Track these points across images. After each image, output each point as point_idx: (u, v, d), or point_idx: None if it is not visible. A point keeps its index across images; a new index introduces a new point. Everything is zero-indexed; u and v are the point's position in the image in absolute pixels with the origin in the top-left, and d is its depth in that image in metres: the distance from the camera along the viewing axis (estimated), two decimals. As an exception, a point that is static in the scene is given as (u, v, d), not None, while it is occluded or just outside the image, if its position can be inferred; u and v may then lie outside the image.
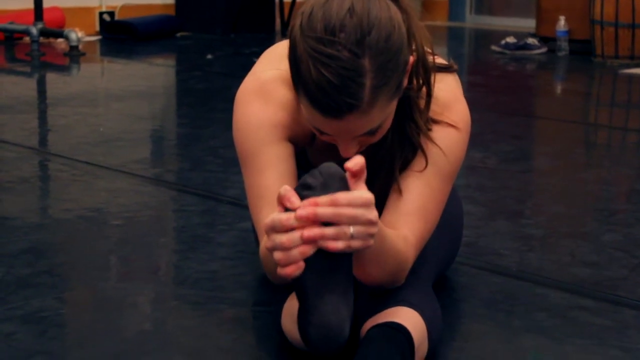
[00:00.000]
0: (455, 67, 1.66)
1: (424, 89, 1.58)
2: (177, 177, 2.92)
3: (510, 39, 6.30)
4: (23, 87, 4.85)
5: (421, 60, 1.55)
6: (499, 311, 1.85)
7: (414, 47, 1.52)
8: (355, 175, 1.35)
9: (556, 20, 6.19)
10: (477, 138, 3.50)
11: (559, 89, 5.44)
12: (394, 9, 1.45)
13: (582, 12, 6.09)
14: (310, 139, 1.66)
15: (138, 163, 3.04)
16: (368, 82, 1.41)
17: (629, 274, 2.07)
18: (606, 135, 3.93)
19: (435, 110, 1.60)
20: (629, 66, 5.67)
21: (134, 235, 2.31)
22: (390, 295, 1.57)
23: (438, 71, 1.61)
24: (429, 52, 1.58)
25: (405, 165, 1.61)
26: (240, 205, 2.51)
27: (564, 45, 6.16)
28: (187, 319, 1.78)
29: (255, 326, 1.76)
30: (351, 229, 1.32)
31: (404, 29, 1.46)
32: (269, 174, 1.60)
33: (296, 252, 1.32)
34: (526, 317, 1.81)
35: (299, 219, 1.31)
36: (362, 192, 1.34)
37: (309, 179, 1.37)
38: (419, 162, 1.60)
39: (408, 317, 1.51)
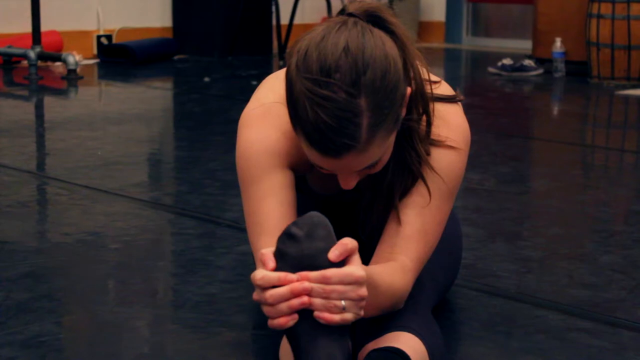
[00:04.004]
0: (461, 97, 1.67)
1: (424, 117, 1.59)
2: (176, 200, 2.92)
3: (507, 61, 6.32)
4: (21, 110, 4.86)
5: (419, 90, 1.56)
6: (498, 333, 1.85)
7: (412, 76, 1.52)
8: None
9: (552, 42, 6.21)
10: (474, 160, 3.51)
11: (555, 110, 5.45)
12: (389, 43, 1.45)
13: (578, 33, 6.12)
14: (310, 166, 1.66)
15: (136, 186, 3.05)
16: (365, 121, 1.41)
17: (627, 296, 2.07)
18: (603, 157, 3.93)
19: (433, 131, 1.61)
20: (625, 87, 5.69)
21: (132, 259, 2.31)
22: (389, 320, 1.57)
23: (442, 101, 1.61)
24: (426, 81, 1.58)
25: (405, 192, 1.62)
26: (239, 228, 2.52)
27: (561, 66, 6.18)
28: (186, 343, 1.78)
29: (255, 350, 1.76)
30: (343, 302, 1.35)
31: (399, 64, 1.46)
32: (269, 202, 1.60)
33: (284, 306, 1.34)
34: (525, 339, 1.81)
35: (293, 293, 1.34)
36: (353, 270, 1.35)
37: (293, 228, 1.38)
38: (418, 190, 1.61)
39: (408, 342, 1.51)
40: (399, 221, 1.60)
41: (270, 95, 1.64)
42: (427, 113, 1.59)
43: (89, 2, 6.81)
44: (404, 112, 1.51)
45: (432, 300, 1.73)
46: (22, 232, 2.52)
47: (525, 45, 7.12)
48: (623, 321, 1.91)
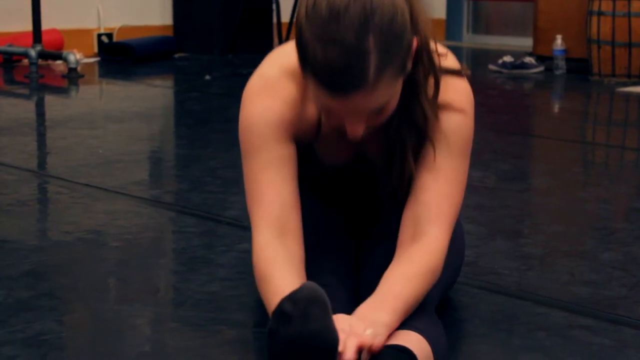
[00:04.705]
0: (467, 71, 1.72)
1: (431, 79, 1.63)
2: (176, 199, 2.92)
3: (508, 58, 6.31)
4: (22, 109, 4.86)
5: (425, 48, 1.60)
6: (499, 331, 1.85)
7: (418, 30, 1.57)
8: None
9: (553, 40, 6.21)
10: (475, 157, 3.50)
11: (556, 107, 5.45)
12: None
13: (579, 31, 6.11)
14: (315, 134, 1.70)
15: (137, 185, 3.05)
16: (373, 61, 1.46)
17: (628, 293, 2.07)
18: (604, 154, 3.93)
19: (439, 96, 1.65)
20: (625, 84, 5.69)
21: (133, 257, 2.31)
22: None
23: (446, 73, 1.66)
24: (433, 52, 1.62)
25: (416, 151, 1.65)
26: (240, 226, 2.52)
27: (561, 64, 6.18)
28: (187, 341, 1.78)
29: (256, 347, 1.76)
30: None
31: (407, 15, 1.51)
32: (271, 172, 1.65)
33: None
34: (526, 337, 1.81)
35: None
36: None
37: (287, 305, 1.35)
38: (431, 155, 1.65)
39: (414, 341, 1.51)
40: (417, 192, 1.66)
41: (272, 68, 1.69)
42: (434, 69, 1.63)
43: (90, 0, 6.81)
44: (410, 65, 1.56)
45: (436, 299, 1.73)
46: (23, 231, 2.52)
47: (526, 42, 7.12)
48: (624, 318, 1.91)
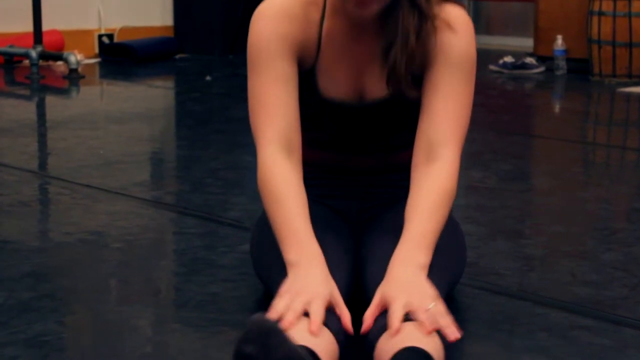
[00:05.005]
0: (464, 4, 1.84)
1: None
2: (177, 200, 2.93)
3: (508, 59, 6.32)
4: (23, 110, 4.86)
5: None
6: (500, 331, 1.85)
7: None
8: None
9: (554, 40, 6.21)
10: (476, 157, 3.51)
11: (557, 108, 5.45)
12: None
13: (580, 31, 6.12)
14: (316, 52, 1.81)
15: (138, 186, 3.05)
16: None
17: (629, 293, 2.07)
18: (604, 154, 3.94)
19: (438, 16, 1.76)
20: (626, 85, 5.69)
21: (134, 258, 2.31)
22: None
23: (446, 1, 1.78)
24: None
25: (419, 35, 1.74)
26: (241, 227, 2.52)
27: (562, 64, 6.18)
28: (188, 342, 1.78)
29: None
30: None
31: None
32: (278, 89, 1.76)
33: None
34: (527, 337, 1.81)
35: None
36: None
37: (245, 347, 1.36)
38: (439, 77, 1.76)
39: (429, 342, 1.51)
40: (427, 115, 1.76)
41: None
42: None
43: (90, 1, 6.81)
44: None
45: (444, 294, 1.74)
46: (24, 232, 2.52)
47: (527, 43, 7.12)
48: (625, 319, 1.91)
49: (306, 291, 1.58)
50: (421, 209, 1.70)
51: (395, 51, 1.73)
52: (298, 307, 1.55)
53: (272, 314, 1.55)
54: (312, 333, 1.51)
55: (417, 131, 1.78)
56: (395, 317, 1.54)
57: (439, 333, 1.54)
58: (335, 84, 1.84)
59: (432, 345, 1.51)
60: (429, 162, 1.75)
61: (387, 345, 1.52)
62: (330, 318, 1.57)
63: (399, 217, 1.75)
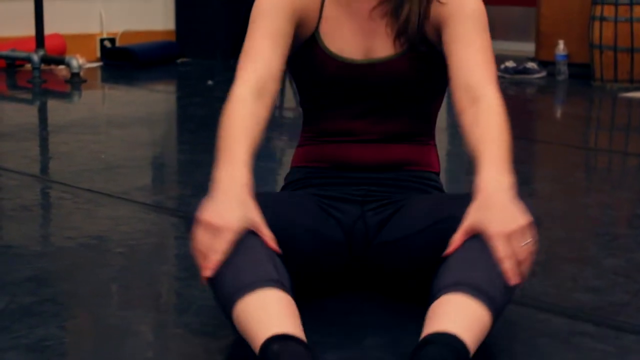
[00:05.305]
0: None
1: None
2: (179, 204, 2.92)
3: (510, 63, 6.32)
4: (24, 114, 4.86)
5: None
6: (501, 337, 1.85)
7: None
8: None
9: (555, 45, 6.21)
10: (477, 163, 3.51)
11: (558, 113, 5.45)
12: None
13: (581, 36, 6.12)
14: (319, 11, 1.93)
15: (140, 190, 3.05)
16: None
17: (631, 299, 2.07)
18: (606, 159, 3.94)
19: None
20: (628, 90, 5.69)
21: (136, 262, 2.31)
22: (463, 271, 1.65)
23: None
24: None
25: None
26: (242, 232, 2.52)
27: (564, 69, 6.18)
28: (190, 347, 1.78)
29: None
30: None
31: None
32: (266, 41, 1.88)
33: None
34: (528, 343, 1.81)
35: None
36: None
37: None
38: (460, 30, 1.87)
39: (471, 322, 1.58)
40: (460, 64, 1.85)
41: None
42: None
43: (92, 5, 6.82)
44: None
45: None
46: (26, 236, 2.52)
47: (528, 47, 7.12)
48: (626, 325, 1.91)
49: (220, 223, 1.66)
50: (489, 139, 1.76)
51: (408, 6, 1.87)
52: (217, 247, 1.64)
53: (196, 252, 1.67)
54: (209, 270, 1.65)
55: (453, 84, 1.86)
56: (500, 248, 1.62)
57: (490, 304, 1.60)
58: (341, 42, 1.94)
59: (469, 324, 1.56)
60: (475, 104, 1.82)
61: (435, 313, 1.59)
62: (282, 273, 1.66)
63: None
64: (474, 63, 1.86)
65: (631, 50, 5.77)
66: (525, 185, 3.35)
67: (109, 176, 3.22)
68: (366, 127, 1.99)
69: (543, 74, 6.29)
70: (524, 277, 1.65)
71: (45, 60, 5.81)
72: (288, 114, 4.98)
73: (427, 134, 2.07)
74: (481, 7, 1.91)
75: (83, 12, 6.77)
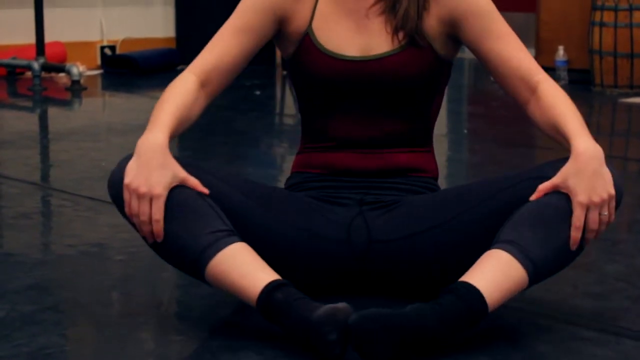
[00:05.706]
0: None
1: None
2: (180, 211, 2.92)
3: (510, 69, 6.31)
4: (25, 122, 4.87)
5: None
6: (501, 343, 1.85)
7: None
8: None
9: (555, 50, 6.22)
10: (478, 169, 3.51)
11: (559, 118, 5.44)
12: None
13: (581, 42, 6.12)
14: (312, 10, 1.95)
15: (140, 197, 3.05)
16: None
17: (632, 305, 2.07)
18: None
19: None
20: (628, 95, 5.70)
21: (136, 270, 2.31)
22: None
23: None
24: None
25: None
26: (243, 239, 2.51)
27: (563, 74, 6.19)
28: (191, 354, 1.78)
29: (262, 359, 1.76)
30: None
31: None
32: (230, 35, 1.96)
33: None
34: (528, 349, 1.81)
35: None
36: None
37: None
38: (488, 28, 1.97)
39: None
40: (505, 61, 1.98)
41: None
42: None
43: (93, 12, 6.83)
44: None
45: None
46: (26, 244, 2.52)
47: (528, 53, 7.13)
48: (627, 331, 1.91)
49: (147, 190, 1.78)
50: (570, 115, 1.86)
51: (406, 0, 1.90)
52: (155, 215, 1.78)
53: (132, 218, 1.84)
54: (157, 237, 1.79)
55: (505, 80, 2.00)
56: (576, 216, 1.76)
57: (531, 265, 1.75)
58: (337, 40, 1.94)
59: (499, 282, 1.71)
60: (535, 91, 1.93)
61: (477, 264, 1.75)
62: (227, 222, 1.79)
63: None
64: (516, 55, 1.97)
65: (631, 56, 5.78)
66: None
67: (110, 184, 3.21)
68: (364, 131, 1.99)
69: (543, 79, 6.28)
70: (585, 245, 1.79)
71: (46, 67, 5.82)
72: (288, 121, 4.97)
73: (425, 140, 2.07)
74: (492, 4, 2.00)
75: (83, 19, 6.78)
